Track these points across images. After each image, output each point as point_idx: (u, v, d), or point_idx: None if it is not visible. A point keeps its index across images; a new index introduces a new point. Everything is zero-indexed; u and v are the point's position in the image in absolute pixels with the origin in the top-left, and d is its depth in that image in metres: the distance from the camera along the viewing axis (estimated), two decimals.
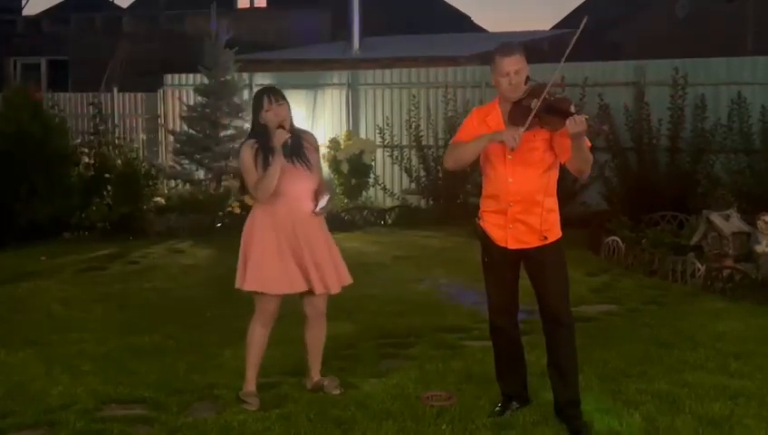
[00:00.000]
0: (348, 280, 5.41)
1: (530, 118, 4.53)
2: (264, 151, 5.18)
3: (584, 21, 4.60)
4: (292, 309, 5.46)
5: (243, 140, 5.70)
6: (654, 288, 8.31)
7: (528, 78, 4.66)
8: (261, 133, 5.24)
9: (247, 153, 5.24)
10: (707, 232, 9.00)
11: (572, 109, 4.49)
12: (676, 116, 11.65)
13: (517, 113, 4.61)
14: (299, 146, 5.28)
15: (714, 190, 11.28)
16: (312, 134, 5.51)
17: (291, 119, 5.28)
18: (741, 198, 10.74)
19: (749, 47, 21.12)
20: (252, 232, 5.26)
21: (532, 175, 4.68)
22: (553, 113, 4.51)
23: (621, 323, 7.10)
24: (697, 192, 11.29)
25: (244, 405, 5.17)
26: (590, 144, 4.63)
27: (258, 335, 5.32)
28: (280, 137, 5.12)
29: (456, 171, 5.80)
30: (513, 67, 4.62)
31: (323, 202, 5.24)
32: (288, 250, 5.18)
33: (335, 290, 5.34)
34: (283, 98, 5.27)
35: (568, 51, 4.60)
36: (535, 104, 4.52)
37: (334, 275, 5.30)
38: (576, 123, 4.39)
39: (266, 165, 5.16)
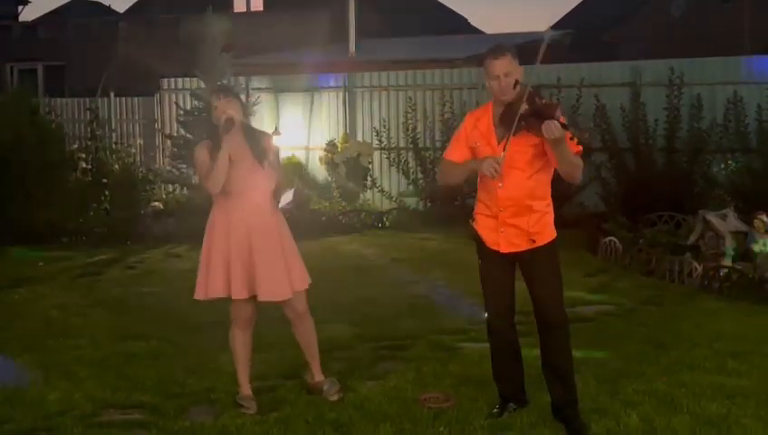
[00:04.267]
0: (302, 285, 5.26)
1: (515, 123, 4.51)
2: (218, 149, 5.07)
3: (548, 36, 4.70)
4: (282, 312, 5.43)
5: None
6: (651, 288, 8.32)
7: (517, 81, 4.59)
8: (214, 132, 5.12)
9: (201, 151, 5.15)
10: (704, 232, 9.01)
11: (558, 114, 4.44)
12: (672, 116, 11.67)
13: (506, 117, 4.60)
14: (257, 144, 5.17)
15: (710, 190, 11.30)
16: (269, 135, 5.44)
17: (239, 115, 5.11)
18: (737, 197, 10.74)
19: (745, 46, 21.13)
20: (208, 235, 5.17)
21: (520, 179, 4.65)
22: (537, 118, 4.46)
23: (619, 323, 7.11)
24: (694, 192, 11.30)
25: (242, 409, 5.17)
26: (578, 149, 4.57)
27: (238, 339, 5.30)
28: (225, 122, 5.01)
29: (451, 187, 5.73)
30: (503, 70, 4.60)
31: (287, 198, 5.13)
32: (236, 254, 5.08)
33: (282, 298, 5.18)
34: (234, 96, 5.23)
35: (539, 56, 4.64)
36: (523, 108, 4.50)
37: (285, 281, 5.15)
38: (550, 129, 4.36)
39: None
